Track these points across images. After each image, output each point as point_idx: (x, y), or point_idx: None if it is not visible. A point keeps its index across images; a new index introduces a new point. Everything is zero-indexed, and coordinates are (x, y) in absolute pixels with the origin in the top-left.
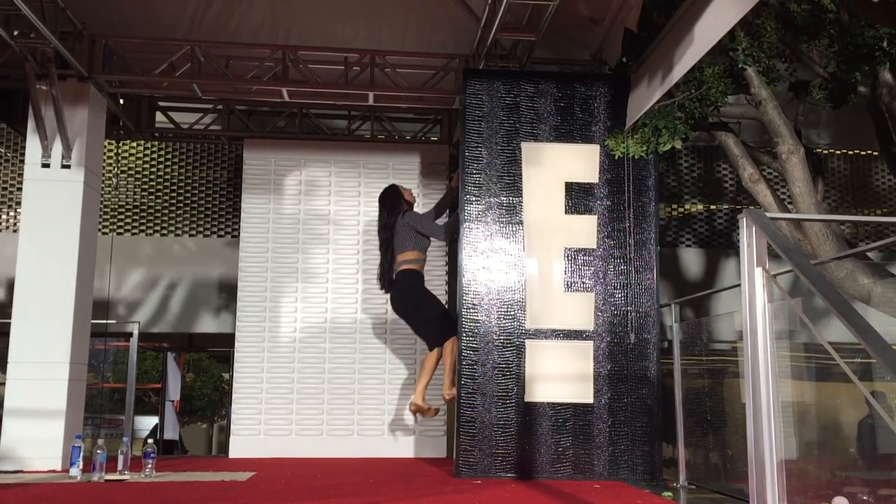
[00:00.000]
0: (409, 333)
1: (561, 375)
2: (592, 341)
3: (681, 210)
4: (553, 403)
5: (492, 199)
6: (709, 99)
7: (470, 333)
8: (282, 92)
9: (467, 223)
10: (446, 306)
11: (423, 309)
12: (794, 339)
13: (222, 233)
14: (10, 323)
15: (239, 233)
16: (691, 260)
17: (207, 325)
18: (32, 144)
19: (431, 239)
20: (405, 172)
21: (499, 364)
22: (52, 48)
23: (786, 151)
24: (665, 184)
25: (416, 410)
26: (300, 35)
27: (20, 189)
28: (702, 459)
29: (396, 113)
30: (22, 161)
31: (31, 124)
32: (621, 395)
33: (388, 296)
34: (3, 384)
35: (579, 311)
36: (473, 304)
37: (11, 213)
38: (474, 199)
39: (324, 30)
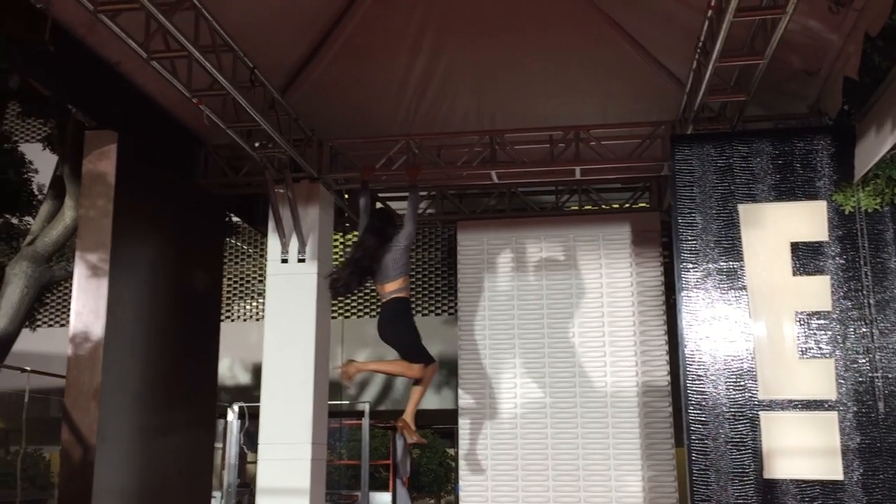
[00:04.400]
0: (632, 406)
1: (803, 450)
2: (836, 412)
3: None
4: (797, 480)
5: (710, 266)
6: None
7: (697, 406)
8: (491, 174)
9: (685, 291)
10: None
11: (407, 338)
12: None
13: (440, 311)
14: (258, 406)
15: (456, 311)
16: None
17: (431, 401)
18: (273, 242)
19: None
20: (616, 242)
21: (731, 438)
22: (287, 155)
23: None
24: None
25: (403, 427)
26: (505, 118)
27: (260, 281)
28: None
29: (604, 184)
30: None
31: (271, 224)
32: (876, 470)
33: (606, 369)
34: (254, 462)
35: (818, 379)
36: (699, 376)
37: (255, 304)
38: (691, 266)
39: (527, 111)
